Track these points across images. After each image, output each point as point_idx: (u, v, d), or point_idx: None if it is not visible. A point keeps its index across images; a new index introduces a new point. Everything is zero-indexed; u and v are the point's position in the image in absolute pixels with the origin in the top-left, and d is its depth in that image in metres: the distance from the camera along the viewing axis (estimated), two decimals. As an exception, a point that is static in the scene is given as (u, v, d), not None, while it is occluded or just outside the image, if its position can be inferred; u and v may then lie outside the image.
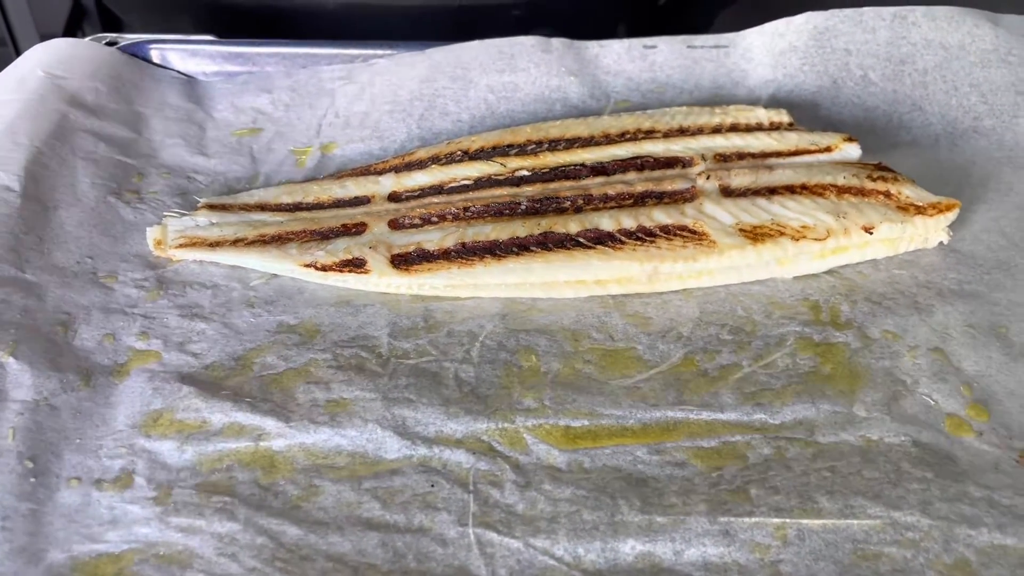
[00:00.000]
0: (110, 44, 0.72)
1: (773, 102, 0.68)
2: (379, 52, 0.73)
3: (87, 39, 0.72)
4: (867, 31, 0.70)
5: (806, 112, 0.67)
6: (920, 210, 0.56)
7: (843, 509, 0.42)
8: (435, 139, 0.67)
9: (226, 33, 0.77)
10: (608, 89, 0.71)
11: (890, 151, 0.65)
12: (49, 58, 0.68)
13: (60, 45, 0.69)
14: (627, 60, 0.72)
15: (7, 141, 0.60)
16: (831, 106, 0.68)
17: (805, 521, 0.42)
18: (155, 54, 0.73)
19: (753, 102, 0.68)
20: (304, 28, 0.81)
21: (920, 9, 0.70)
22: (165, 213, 0.60)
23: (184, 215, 0.59)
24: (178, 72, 0.73)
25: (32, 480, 0.43)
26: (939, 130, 0.66)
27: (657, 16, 0.87)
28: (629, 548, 0.41)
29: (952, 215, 0.56)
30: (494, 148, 0.63)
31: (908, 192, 0.57)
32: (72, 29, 3.29)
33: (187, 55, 0.74)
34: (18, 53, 2.62)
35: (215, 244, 0.57)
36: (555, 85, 0.70)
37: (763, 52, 0.71)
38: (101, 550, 0.41)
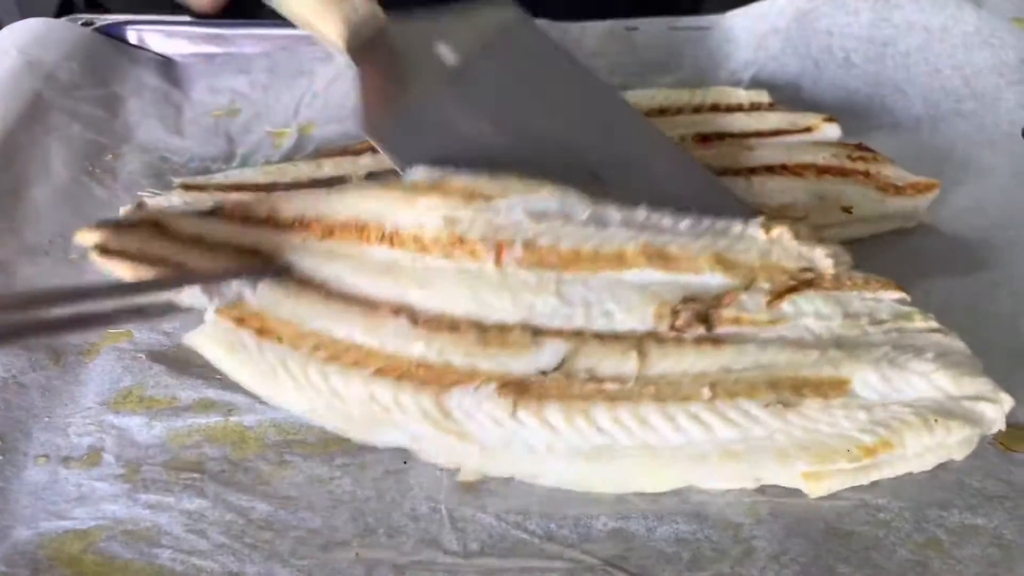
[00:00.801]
0: (86, 24, 0.72)
1: (755, 84, 0.68)
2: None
3: (63, 19, 0.71)
4: (850, 13, 0.69)
5: (788, 94, 0.67)
6: (899, 190, 0.55)
7: (817, 487, 0.42)
8: (415, 119, 0.67)
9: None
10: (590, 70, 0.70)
11: (872, 132, 0.64)
12: (24, 38, 0.67)
13: (36, 25, 0.68)
14: (609, 41, 0.71)
15: (-21, 120, 0.59)
16: (813, 88, 0.68)
17: (778, 500, 0.41)
18: (132, 35, 0.73)
19: (735, 84, 0.68)
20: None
21: (902, -14, 0.70)
22: (139, 193, 0.59)
23: (158, 195, 0.59)
24: (155, 53, 0.73)
25: (-1, 458, 0.43)
26: (921, 112, 0.66)
27: None
28: (602, 524, 0.40)
29: (932, 195, 0.56)
30: (474, 128, 0.62)
31: (888, 172, 0.56)
32: (60, 15, 3.22)
33: (164, 36, 0.73)
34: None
35: (190, 224, 0.57)
36: (536, 66, 0.70)
37: (745, 34, 0.70)
38: (67, 527, 0.41)
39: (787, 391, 0.42)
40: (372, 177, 0.60)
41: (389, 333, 0.44)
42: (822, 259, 0.46)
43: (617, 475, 0.41)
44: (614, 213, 0.47)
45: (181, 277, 0.47)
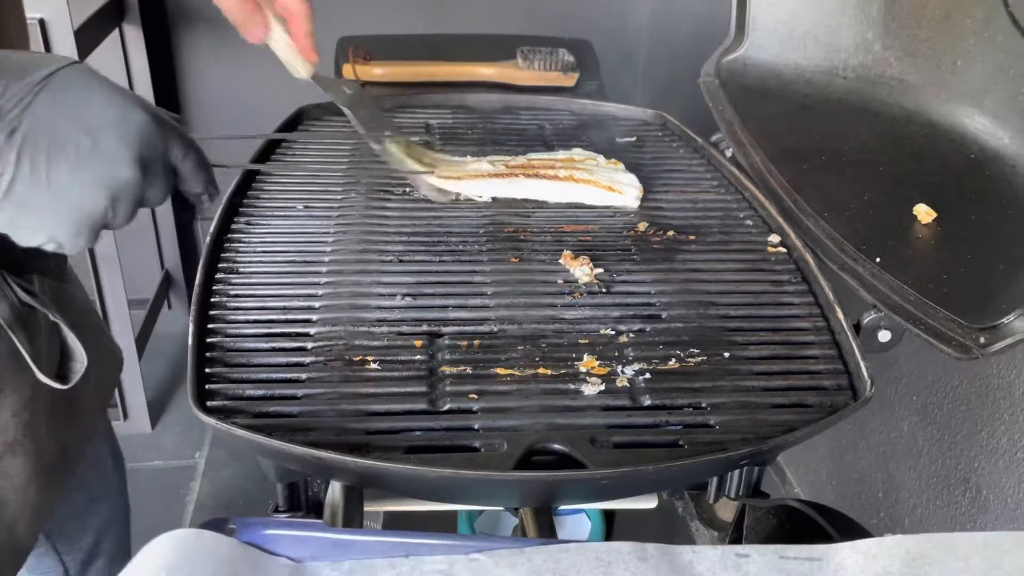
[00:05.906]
0: (225, 530, 0.77)
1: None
2: (479, 544, 0.76)
3: (209, 532, 0.75)
4: (959, 559, 0.71)
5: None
6: None
7: None
8: (533, 655, 0.69)
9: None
10: None
11: None
12: (171, 557, 0.71)
13: (182, 539, 0.73)
14: (720, 569, 0.73)
15: None
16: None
17: None
18: (267, 538, 0.77)
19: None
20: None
21: (1011, 536, 0.71)
22: None
23: None
24: (288, 558, 0.77)
25: None
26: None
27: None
28: None
29: None
30: None
31: None
32: (160, 300, 3.38)
33: (296, 540, 0.77)
34: (105, 312, 2.66)
35: None
36: (650, 598, 0.72)
37: (857, 573, 0.72)
38: None
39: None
40: None
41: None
42: None
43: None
44: None
45: None
